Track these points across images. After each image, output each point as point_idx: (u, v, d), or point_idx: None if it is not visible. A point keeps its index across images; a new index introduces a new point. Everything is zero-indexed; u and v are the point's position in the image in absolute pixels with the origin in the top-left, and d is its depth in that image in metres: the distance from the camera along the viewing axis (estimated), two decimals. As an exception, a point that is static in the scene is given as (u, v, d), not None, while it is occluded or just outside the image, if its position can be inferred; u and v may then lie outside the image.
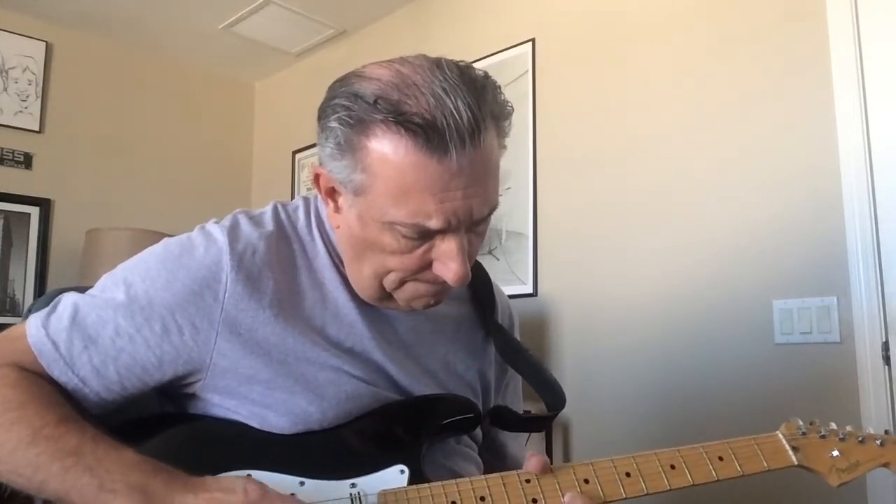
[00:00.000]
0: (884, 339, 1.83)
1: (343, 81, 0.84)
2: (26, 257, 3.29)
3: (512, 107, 0.86)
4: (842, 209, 1.92)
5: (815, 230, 1.97)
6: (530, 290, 2.61)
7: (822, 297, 1.94)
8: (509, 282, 2.63)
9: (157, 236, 2.97)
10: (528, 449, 1.14)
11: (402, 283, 0.87)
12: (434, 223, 0.80)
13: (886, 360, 1.82)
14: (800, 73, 2.04)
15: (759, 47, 2.13)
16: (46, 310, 0.88)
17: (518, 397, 1.15)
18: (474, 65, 0.84)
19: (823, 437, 0.93)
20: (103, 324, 0.85)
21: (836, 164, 1.94)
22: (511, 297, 1.19)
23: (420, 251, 0.83)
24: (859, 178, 1.89)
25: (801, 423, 0.95)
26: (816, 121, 1.99)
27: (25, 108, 3.34)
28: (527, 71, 2.75)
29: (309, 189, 3.74)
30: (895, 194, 1.86)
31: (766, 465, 0.90)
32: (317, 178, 0.88)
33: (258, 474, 0.82)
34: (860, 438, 0.93)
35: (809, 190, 1.99)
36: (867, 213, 1.87)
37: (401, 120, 0.77)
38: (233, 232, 0.90)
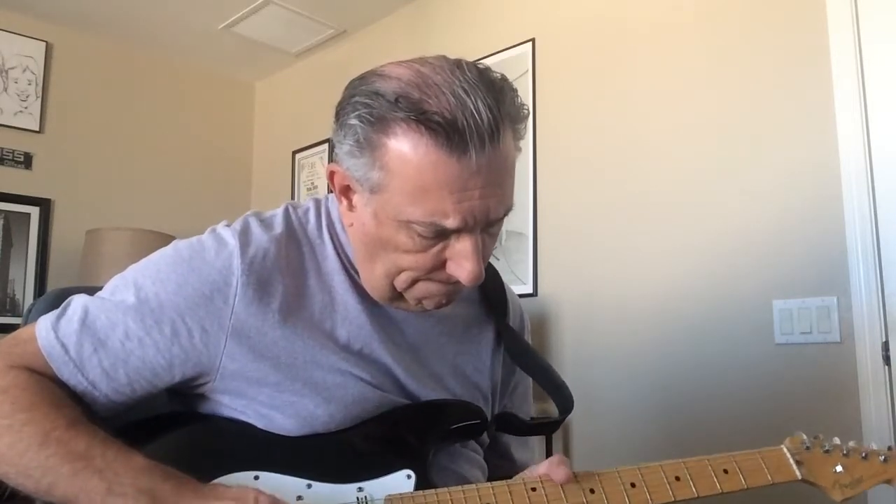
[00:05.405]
0: (884, 339, 1.84)
1: (362, 80, 0.84)
2: (26, 257, 3.29)
3: (528, 110, 0.86)
4: (842, 209, 1.92)
5: (815, 230, 1.97)
6: (530, 290, 2.62)
7: (822, 297, 1.94)
8: (509, 282, 2.60)
9: (156, 236, 2.98)
10: (531, 450, 1.14)
11: (414, 282, 0.87)
12: (451, 222, 0.80)
13: (886, 360, 1.83)
14: (800, 74, 2.04)
15: (759, 47, 2.14)
16: (56, 312, 0.88)
17: (528, 400, 1.15)
18: (479, 66, 0.85)
19: (827, 452, 0.94)
20: (113, 326, 0.85)
21: (836, 164, 1.94)
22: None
23: (434, 250, 0.84)
24: (859, 178, 1.90)
25: (805, 437, 0.95)
26: (816, 121, 1.99)
27: (25, 108, 3.34)
28: (527, 71, 2.75)
29: (309, 189, 3.74)
30: (895, 194, 1.87)
31: (770, 478, 0.91)
32: (331, 175, 0.88)
33: (266, 475, 0.83)
34: (863, 454, 0.94)
35: (809, 190, 1.99)
36: (867, 213, 1.88)
37: (422, 119, 0.77)
38: (244, 236, 0.90)
